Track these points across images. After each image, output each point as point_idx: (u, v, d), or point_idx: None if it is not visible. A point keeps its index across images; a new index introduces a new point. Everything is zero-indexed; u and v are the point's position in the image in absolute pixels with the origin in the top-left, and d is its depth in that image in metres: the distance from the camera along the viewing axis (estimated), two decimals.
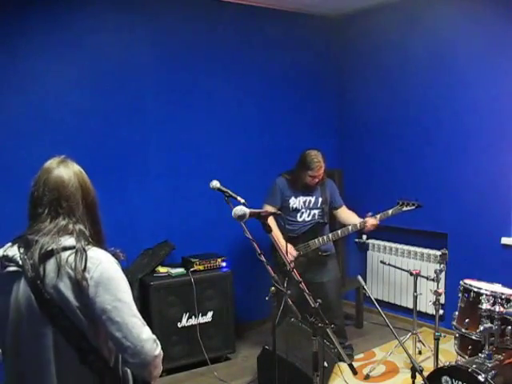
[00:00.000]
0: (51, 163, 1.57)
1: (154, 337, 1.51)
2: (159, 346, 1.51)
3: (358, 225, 3.81)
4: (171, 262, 4.11)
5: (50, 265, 1.44)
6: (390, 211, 3.75)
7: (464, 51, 4.16)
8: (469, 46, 4.13)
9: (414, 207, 3.72)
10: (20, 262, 1.46)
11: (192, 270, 3.91)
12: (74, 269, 1.42)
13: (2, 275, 1.51)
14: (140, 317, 1.50)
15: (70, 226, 1.50)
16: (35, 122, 3.61)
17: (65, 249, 1.46)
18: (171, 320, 3.81)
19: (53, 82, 3.69)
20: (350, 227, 3.83)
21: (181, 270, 3.94)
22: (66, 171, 1.56)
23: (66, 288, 1.43)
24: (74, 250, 1.46)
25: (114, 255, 1.55)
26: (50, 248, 1.45)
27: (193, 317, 3.89)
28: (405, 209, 3.73)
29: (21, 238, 1.52)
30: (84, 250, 1.46)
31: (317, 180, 3.87)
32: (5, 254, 1.52)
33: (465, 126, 4.22)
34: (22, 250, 1.48)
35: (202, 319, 3.93)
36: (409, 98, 4.64)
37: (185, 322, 3.86)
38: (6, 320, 1.50)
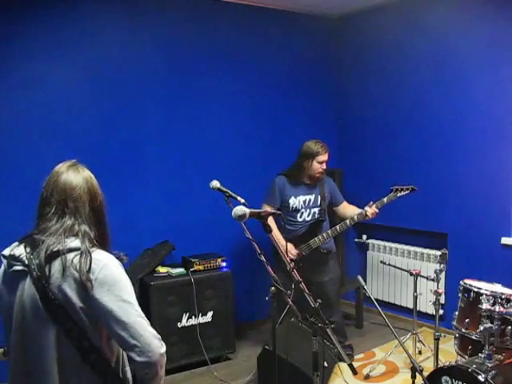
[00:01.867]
0: (61, 167, 1.62)
1: (159, 336, 1.56)
2: (164, 345, 1.57)
3: (356, 217, 3.76)
4: (171, 262, 4.12)
5: (56, 265, 1.47)
6: (384, 199, 3.71)
7: (464, 51, 4.16)
8: (469, 46, 4.13)
9: (408, 191, 3.68)
10: (26, 262, 1.49)
11: (192, 269, 3.91)
12: (78, 270, 1.45)
13: (9, 274, 1.54)
14: (144, 317, 1.53)
15: (76, 227, 1.53)
16: (35, 123, 3.61)
17: (70, 250, 1.49)
18: (171, 320, 3.81)
19: (53, 83, 3.68)
20: (347, 221, 3.79)
21: (181, 270, 3.94)
22: (75, 175, 1.60)
23: (70, 289, 1.46)
24: (79, 252, 1.48)
25: (118, 258, 1.58)
26: (55, 249, 1.48)
27: (193, 317, 3.88)
28: (400, 194, 3.70)
29: (27, 238, 1.55)
30: (89, 251, 1.49)
31: (325, 167, 3.87)
32: (11, 253, 1.54)
33: (465, 126, 4.22)
34: (28, 250, 1.51)
35: (201, 319, 3.93)
36: (408, 98, 4.64)
37: (185, 322, 3.86)
38: (11, 318, 1.53)
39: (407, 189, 3.69)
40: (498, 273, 3.76)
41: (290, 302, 2.36)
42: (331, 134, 5.20)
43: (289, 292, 2.30)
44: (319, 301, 2.26)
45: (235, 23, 4.54)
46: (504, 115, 3.95)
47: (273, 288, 2.32)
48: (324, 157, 3.83)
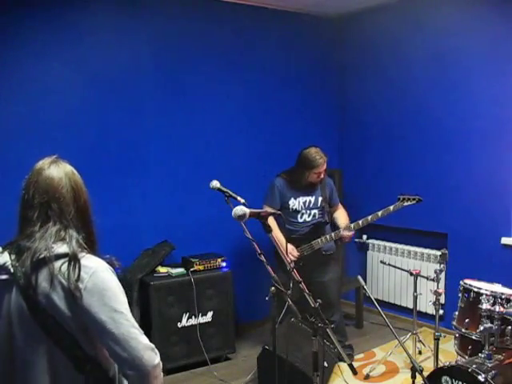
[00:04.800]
0: (42, 164, 1.52)
1: (153, 346, 1.45)
2: (158, 355, 1.45)
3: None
4: (171, 262, 4.11)
5: (43, 274, 1.39)
6: (391, 207, 3.73)
7: (464, 51, 4.16)
8: (469, 46, 4.13)
9: (414, 202, 3.71)
10: (11, 270, 1.41)
11: (192, 269, 3.91)
12: (67, 279, 1.37)
13: None
14: (137, 326, 1.44)
15: (62, 232, 1.45)
16: (34, 123, 3.61)
17: (57, 257, 1.41)
18: (171, 320, 3.81)
19: (52, 82, 3.68)
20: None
21: (181, 270, 3.93)
22: (56, 172, 1.50)
23: (58, 298, 1.38)
24: (66, 259, 1.40)
25: (109, 263, 1.49)
26: (42, 256, 1.40)
27: (193, 317, 3.88)
28: (406, 204, 3.72)
29: (12, 244, 1.46)
30: (77, 258, 1.41)
31: (322, 176, 3.88)
32: None
33: (465, 126, 4.22)
34: (13, 257, 1.42)
35: (201, 319, 3.93)
36: (409, 98, 4.64)
37: (185, 322, 3.86)
38: None
39: (414, 199, 3.71)
40: (497, 273, 3.76)
41: (290, 302, 2.36)
42: (331, 134, 5.20)
43: (289, 292, 2.30)
44: (319, 301, 2.26)
45: (235, 23, 4.54)
46: (504, 115, 3.95)
47: (273, 288, 2.32)
48: (321, 168, 3.82)
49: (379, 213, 3.74)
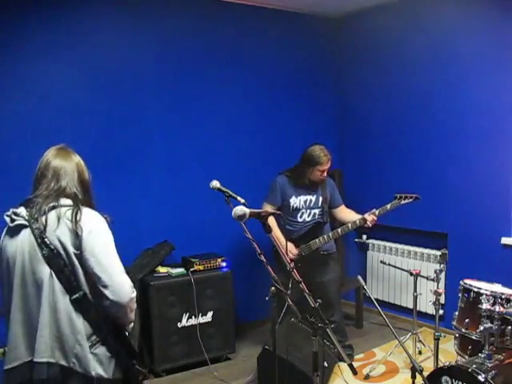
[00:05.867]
0: (52, 150, 1.91)
1: (132, 284, 1.84)
2: (135, 292, 1.85)
3: (358, 221, 3.80)
4: (171, 262, 4.11)
5: (51, 216, 1.76)
6: (388, 206, 3.73)
7: (464, 51, 4.16)
8: (468, 46, 4.12)
9: (412, 200, 3.71)
10: (26, 217, 1.77)
11: (192, 269, 3.91)
12: (71, 219, 1.74)
13: (11, 228, 1.81)
14: (122, 267, 1.82)
15: (68, 190, 1.82)
16: (36, 123, 3.61)
17: (63, 206, 1.78)
18: (171, 320, 3.81)
19: (54, 82, 3.69)
20: (349, 225, 3.81)
21: (181, 270, 3.94)
22: (64, 157, 1.88)
23: (64, 235, 1.73)
24: (71, 207, 1.78)
25: (104, 217, 1.86)
26: (51, 204, 1.77)
27: (193, 317, 3.88)
28: (403, 202, 3.72)
29: (27, 201, 1.82)
30: (79, 206, 1.79)
31: (325, 174, 3.88)
32: (14, 211, 1.82)
33: (465, 126, 4.22)
34: (28, 208, 1.79)
35: (201, 319, 3.93)
36: (409, 98, 4.64)
37: (185, 322, 3.86)
38: (15, 262, 1.79)
39: (411, 197, 3.70)
40: (497, 273, 3.75)
41: (290, 302, 2.36)
42: (331, 134, 5.20)
43: (289, 292, 2.30)
44: (319, 301, 2.26)
45: (235, 23, 4.54)
46: (504, 115, 3.95)
47: (273, 288, 2.32)
48: (325, 166, 3.84)
49: (376, 212, 3.74)
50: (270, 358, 2.61)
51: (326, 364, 2.87)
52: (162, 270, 3.97)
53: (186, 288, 3.84)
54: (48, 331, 1.73)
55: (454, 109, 4.28)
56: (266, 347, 3.39)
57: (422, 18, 4.44)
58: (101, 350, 1.79)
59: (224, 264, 4.07)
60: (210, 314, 3.96)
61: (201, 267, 3.96)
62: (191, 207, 4.34)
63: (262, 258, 2.32)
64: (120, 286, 1.77)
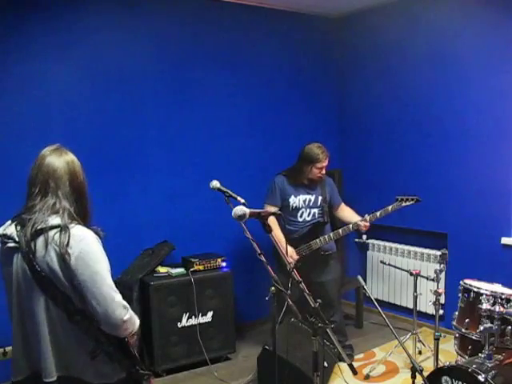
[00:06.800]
0: (46, 151, 1.84)
1: (125, 303, 1.77)
2: (129, 311, 1.78)
3: (351, 226, 3.79)
4: (171, 261, 4.11)
5: (40, 241, 1.70)
6: (389, 208, 3.73)
7: (464, 50, 4.16)
8: (469, 46, 4.13)
9: (413, 202, 3.70)
10: (16, 239, 1.73)
11: (192, 269, 3.91)
12: (58, 245, 1.68)
13: (4, 250, 1.78)
14: (114, 287, 1.76)
15: (57, 205, 1.75)
16: (35, 122, 3.61)
17: (52, 228, 1.71)
18: (171, 320, 3.81)
19: (54, 82, 3.69)
20: (350, 226, 3.82)
21: (181, 270, 3.93)
22: (57, 157, 1.81)
23: (52, 261, 1.69)
24: (59, 229, 1.70)
25: (96, 233, 1.78)
26: (39, 227, 1.71)
27: (193, 317, 3.88)
28: (404, 204, 3.72)
29: (17, 217, 1.78)
30: (68, 228, 1.71)
31: (323, 172, 3.88)
32: (4, 232, 1.78)
33: (465, 126, 4.22)
34: (18, 228, 1.74)
35: (201, 319, 3.93)
36: (409, 98, 4.64)
37: (185, 322, 3.86)
38: (11, 287, 1.78)
39: (412, 199, 3.69)
40: (498, 273, 3.76)
41: (290, 302, 2.35)
42: (331, 134, 5.20)
43: (289, 292, 2.30)
44: (319, 301, 2.26)
45: (235, 23, 4.54)
46: (504, 115, 3.95)
47: (273, 288, 2.32)
48: (324, 163, 3.84)
49: (377, 213, 3.74)
50: (270, 358, 2.61)
51: (326, 364, 2.86)
52: (162, 269, 3.97)
53: (185, 288, 3.84)
54: (51, 354, 1.74)
55: (454, 109, 4.28)
56: (266, 347, 3.39)
57: (422, 17, 4.44)
58: (103, 360, 1.80)
59: (224, 264, 4.07)
60: (209, 314, 3.96)
61: (201, 267, 3.96)
62: (191, 207, 4.34)
63: (262, 258, 2.32)
64: (110, 311, 1.71)
